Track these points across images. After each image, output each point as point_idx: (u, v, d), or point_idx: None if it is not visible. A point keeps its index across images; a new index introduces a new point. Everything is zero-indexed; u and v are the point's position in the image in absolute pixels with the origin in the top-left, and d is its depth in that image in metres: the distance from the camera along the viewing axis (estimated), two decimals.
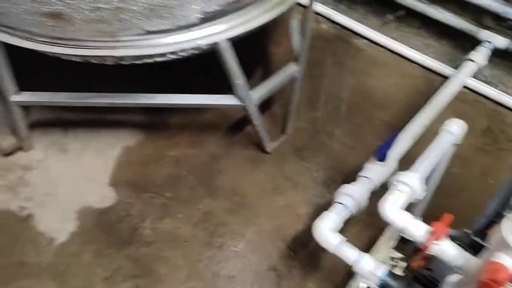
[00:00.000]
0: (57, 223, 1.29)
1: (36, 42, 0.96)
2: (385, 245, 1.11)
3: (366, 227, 1.27)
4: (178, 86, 1.34)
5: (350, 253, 0.92)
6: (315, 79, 1.64)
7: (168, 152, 1.47)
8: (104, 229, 1.28)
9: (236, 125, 1.54)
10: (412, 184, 0.90)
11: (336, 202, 1.05)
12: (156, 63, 1.07)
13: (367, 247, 1.13)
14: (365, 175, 1.08)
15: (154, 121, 1.54)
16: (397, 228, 0.87)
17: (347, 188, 1.06)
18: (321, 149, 1.48)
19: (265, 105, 1.42)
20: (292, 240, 1.28)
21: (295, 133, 1.51)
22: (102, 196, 1.35)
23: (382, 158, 1.09)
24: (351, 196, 1.04)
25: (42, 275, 1.19)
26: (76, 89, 1.28)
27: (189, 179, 1.40)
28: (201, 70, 1.51)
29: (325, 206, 1.28)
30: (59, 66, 1.26)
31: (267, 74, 1.49)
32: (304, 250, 1.26)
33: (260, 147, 1.45)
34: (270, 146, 1.43)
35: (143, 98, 1.26)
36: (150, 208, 1.33)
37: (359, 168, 1.13)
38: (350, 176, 1.14)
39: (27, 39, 0.96)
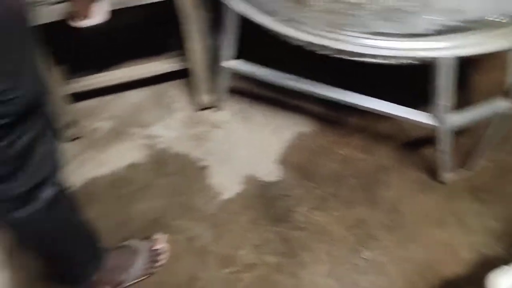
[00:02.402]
0: (226, 181, 1.42)
1: (272, 20, 1.05)
2: None
3: None
4: (368, 88, 1.34)
5: None
6: None
7: (338, 149, 1.49)
8: (264, 200, 1.37)
9: (413, 142, 1.48)
10: None
11: None
12: (367, 63, 1.08)
13: None
14: None
15: (332, 116, 1.58)
16: None
17: None
18: (503, 197, 1.33)
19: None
20: (445, 281, 1.19)
21: (477, 171, 1.39)
22: (269, 170, 1.44)
23: None
24: None
25: (203, 222, 1.32)
26: (279, 68, 1.38)
27: (352, 181, 1.41)
28: (397, 78, 1.49)
29: (494, 259, 1.16)
30: (274, 43, 1.36)
31: (464, 102, 1.39)
32: None
33: (434, 173, 1.37)
34: (447, 176, 1.34)
35: (337, 93, 1.29)
36: (309, 196, 1.37)
37: None
38: None
39: (264, 13, 1.06)
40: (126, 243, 1.22)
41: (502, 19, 0.94)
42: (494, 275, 0.91)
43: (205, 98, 1.53)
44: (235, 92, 1.62)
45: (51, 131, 0.82)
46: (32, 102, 0.73)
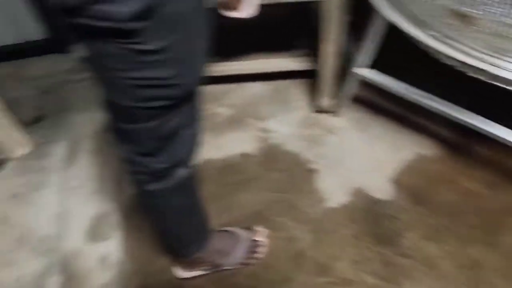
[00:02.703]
0: (334, 189, 1.38)
1: (425, 34, 0.99)
2: None
3: None
4: (507, 118, 1.21)
5: None
6: None
7: (461, 180, 1.37)
8: (371, 217, 1.31)
9: None
10: None
11: None
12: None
13: None
14: None
15: (459, 142, 1.46)
16: None
17: None
18: None
19: None
20: None
21: None
22: (381, 188, 1.37)
23: None
24: None
25: (306, 225, 1.31)
26: (410, 82, 1.30)
27: (471, 217, 1.29)
28: None
29: None
30: (407, 54, 1.29)
31: None
32: None
33: None
34: None
35: (472, 118, 1.18)
36: (420, 224, 1.28)
37: None
38: None
39: (416, 26, 1.00)
40: (229, 228, 1.26)
41: None
42: None
43: (326, 102, 1.51)
44: (356, 100, 1.57)
45: (197, 116, 0.87)
46: (192, 89, 0.78)
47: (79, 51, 0.70)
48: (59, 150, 1.54)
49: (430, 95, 1.27)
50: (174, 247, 1.15)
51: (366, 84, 1.41)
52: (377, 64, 1.33)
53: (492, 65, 0.90)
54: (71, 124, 1.57)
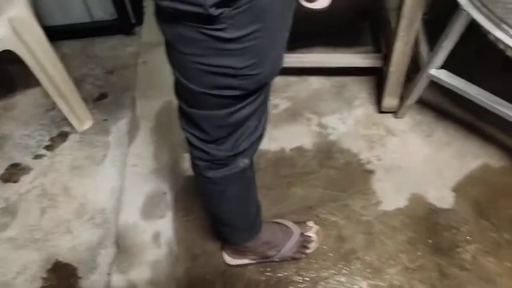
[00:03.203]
0: (390, 192, 1.34)
1: (509, 36, 0.93)
2: None
3: None
4: None
5: None
6: None
7: None
8: (428, 225, 1.26)
9: None
10: None
11: None
12: None
13: None
14: None
15: None
16: None
17: None
18: None
19: None
20: None
21: None
22: (442, 196, 1.31)
23: None
24: None
25: (358, 225, 1.27)
26: (489, 90, 1.23)
27: None
28: None
29: None
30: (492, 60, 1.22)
31: None
32: None
33: None
34: None
35: None
36: (481, 237, 1.22)
37: None
38: None
39: (500, 28, 0.94)
40: (280, 220, 1.25)
41: None
42: None
43: (390, 102, 1.46)
44: (423, 102, 1.51)
45: (266, 109, 0.86)
46: (266, 80, 0.76)
47: (146, 34, 0.70)
48: (120, 127, 1.59)
49: (502, 101, 1.19)
50: (226, 233, 1.16)
51: (434, 86, 1.34)
52: (447, 65, 1.26)
53: None
54: (133, 104, 1.61)
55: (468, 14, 1.04)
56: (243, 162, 0.90)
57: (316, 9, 0.96)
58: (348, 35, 1.76)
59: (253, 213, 1.10)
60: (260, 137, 0.90)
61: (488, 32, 1.01)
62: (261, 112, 0.84)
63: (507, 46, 0.99)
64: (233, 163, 0.89)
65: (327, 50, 1.68)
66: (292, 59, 1.54)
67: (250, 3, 0.60)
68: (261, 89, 0.78)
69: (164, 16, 0.65)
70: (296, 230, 1.22)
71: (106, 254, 1.29)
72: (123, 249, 1.27)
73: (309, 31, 1.77)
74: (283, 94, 1.64)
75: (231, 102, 0.76)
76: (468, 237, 1.22)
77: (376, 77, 1.63)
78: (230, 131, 0.82)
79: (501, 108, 1.17)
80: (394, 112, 1.51)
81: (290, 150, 1.48)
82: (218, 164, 0.89)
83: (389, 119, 1.52)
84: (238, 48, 0.65)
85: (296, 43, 1.73)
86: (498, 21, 0.98)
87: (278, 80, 1.69)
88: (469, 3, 1.04)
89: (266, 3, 0.62)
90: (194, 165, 0.93)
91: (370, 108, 1.56)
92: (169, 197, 1.36)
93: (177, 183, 1.40)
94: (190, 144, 0.89)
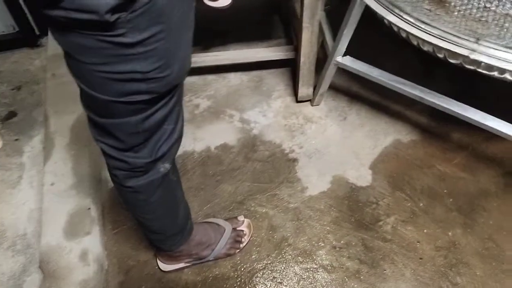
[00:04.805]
0: (314, 177, 1.40)
1: (400, 19, 1.00)
2: None
3: None
4: (483, 104, 1.24)
5: None
6: None
7: (437, 164, 1.40)
8: (350, 204, 1.33)
9: None
10: None
11: None
12: (493, 78, 1.00)
13: None
14: None
15: (435, 128, 1.49)
16: None
17: None
18: None
19: None
20: None
21: None
22: (360, 174, 1.39)
23: None
24: None
25: (287, 213, 1.32)
26: (386, 70, 1.32)
27: (448, 200, 1.32)
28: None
29: None
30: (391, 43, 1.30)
31: None
32: None
33: None
34: None
35: (450, 104, 1.21)
36: (399, 208, 1.31)
37: None
38: None
39: (392, 12, 1.01)
40: (212, 220, 1.25)
41: None
42: None
43: (305, 91, 1.51)
44: (334, 88, 1.58)
45: (180, 110, 0.85)
46: (177, 81, 0.75)
47: (52, 45, 0.67)
48: (34, 145, 1.50)
49: (404, 81, 1.28)
50: (157, 241, 1.14)
51: (344, 72, 1.42)
52: (351, 51, 1.34)
53: (469, 49, 0.91)
54: (46, 119, 1.53)
55: (362, 1, 1.11)
56: (164, 167, 0.89)
57: (219, 7, 0.97)
58: (261, 29, 1.80)
59: (181, 216, 1.09)
60: (179, 139, 0.89)
61: (383, 17, 1.09)
62: (176, 114, 0.84)
63: (400, 28, 1.06)
64: (153, 169, 0.88)
65: (242, 46, 1.71)
66: (209, 58, 1.54)
67: (147, 4, 0.59)
68: (173, 90, 0.77)
69: (56, 25, 0.62)
70: (227, 226, 1.23)
71: (32, 281, 1.22)
72: (49, 273, 1.20)
73: (223, 29, 1.79)
74: (203, 93, 1.64)
75: (143, 107, 0.74)
76: (387, 210, 1.31)
77: (291, 68, 1.68)
78: (146, 137, 0.81)
79: (401, 86, 1.26)
80: (310, 101, 1.57)
81: (216, 148, 1.49)
82: (137, 172, 0.87)
83: (306, 108, 1.58)
84: (142, 51, 0.64)
85: (211, 41, 1.74)
86: (391, 6, 1.05)
87: (197, 80, 1.69)
88: None
89: (164, 4, 0.62)
90: (113, 176, 0.91)
91: (288, 99, 1.61)
92: (94, 212, 1.31)
93: (101, 196, 1.36)
94: (106, 154, 0.86)
